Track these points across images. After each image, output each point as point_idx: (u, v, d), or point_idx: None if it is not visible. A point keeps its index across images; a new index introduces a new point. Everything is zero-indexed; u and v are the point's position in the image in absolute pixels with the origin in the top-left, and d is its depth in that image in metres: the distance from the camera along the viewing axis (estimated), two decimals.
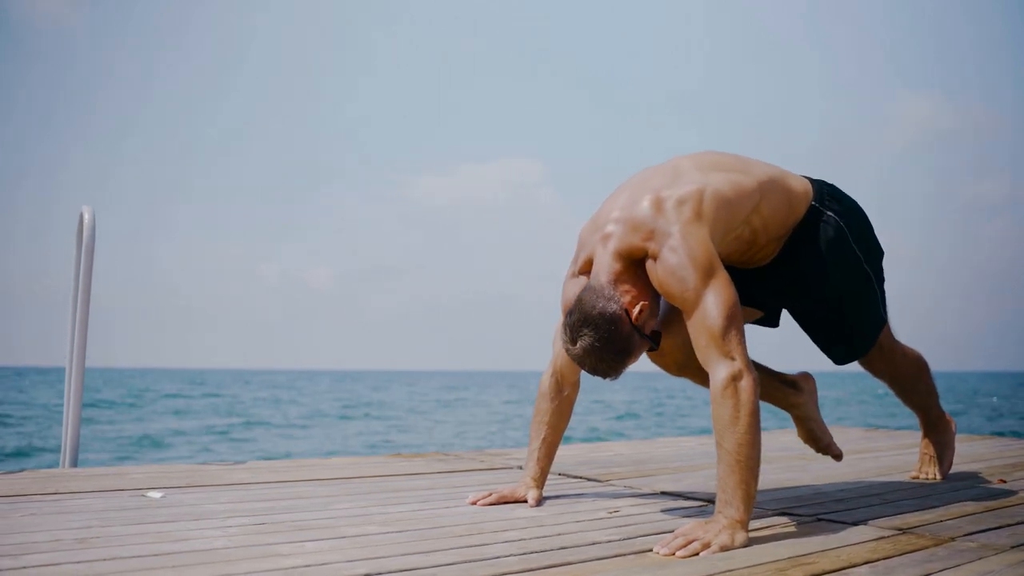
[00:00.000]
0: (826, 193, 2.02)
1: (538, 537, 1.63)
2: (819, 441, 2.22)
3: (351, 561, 1.40)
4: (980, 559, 1.47)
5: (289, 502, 1.99)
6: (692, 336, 1.69)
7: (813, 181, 2.03)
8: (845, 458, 2.98)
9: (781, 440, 3.58)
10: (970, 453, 3.08)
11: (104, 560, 1.38)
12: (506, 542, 1.58)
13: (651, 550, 1.52)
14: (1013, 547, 1.56)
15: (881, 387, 2.42)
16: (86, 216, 2.56)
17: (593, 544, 1.57)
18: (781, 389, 2.17)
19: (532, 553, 1.49)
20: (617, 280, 1.73)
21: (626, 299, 1.72)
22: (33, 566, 1.33)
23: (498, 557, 1.45)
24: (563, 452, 3.18)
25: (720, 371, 1.62)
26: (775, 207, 1.91)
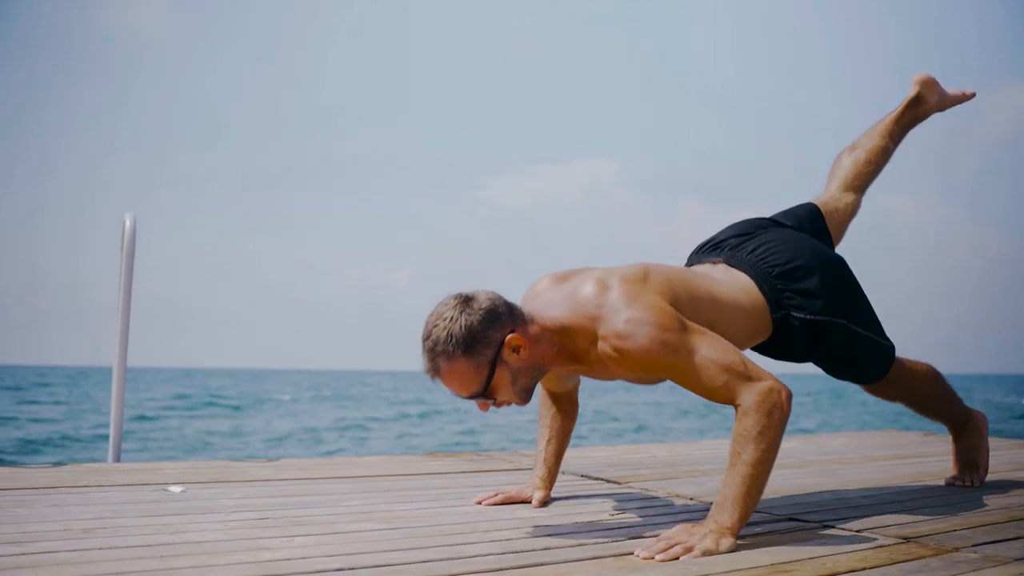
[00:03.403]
0: (780, 290, 1.85)
1: (526, 537, 1.64)
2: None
3: (331, 556, 1.44)
4: (975, 571, 1.41)
5: (301, 499, 2.05)
6: (703, 389, 1.58)
7: (762, 283, 1.85)
8: (883, 464, 2.89)
9: (825, 445, 3.49)
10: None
11: (100, 549, 1.45)
12: (492, 542, 1.59)
13: (632, 553, 1.51)
14: (1017, 559, 1.49)
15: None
16: (127, 223, 2.69)
17: (579, 546, 1.57)
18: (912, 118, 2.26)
19: (511, 553, 1.50)
20: (531, 323, 1.62)
21: (519, 331, 1.59)
22: (33, 552, 1.42)
23: (475, 556, 1.47)
24: (595, 453, 3.18)
25: (754, 391, 1.54)
26: (730, 332, 1.73)
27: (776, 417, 1.54)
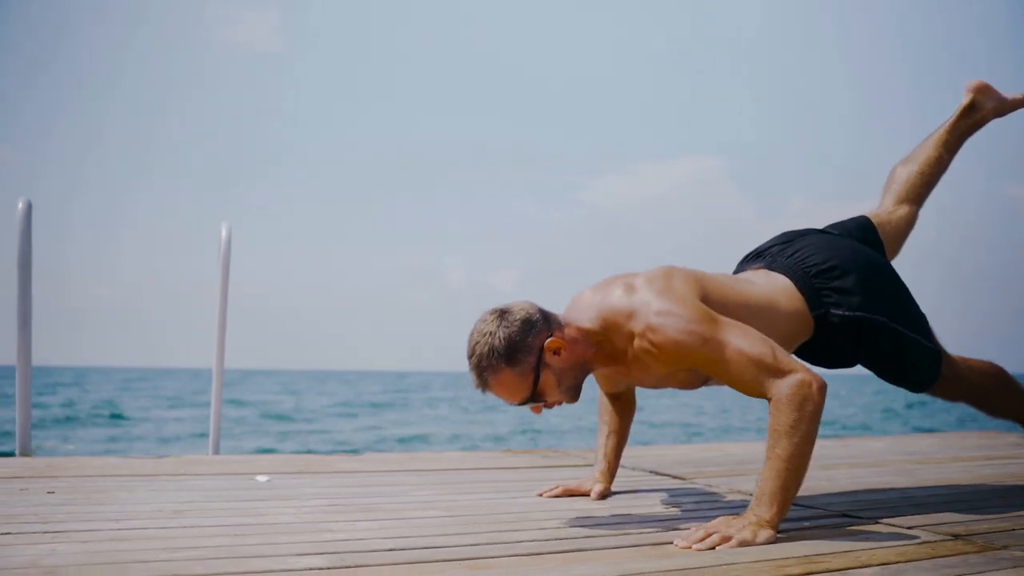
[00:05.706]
0: (818, 288, 1.87)
1: (575, 527, 1.71)
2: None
3: (386, 538, 1.56)
4: (1015, 567, 1.40)
5: (375, 488, 2.19)
6: (735, 382, 1.63)
7: (800, 283, 1.87)
8: (968, 464, 2.82)
9: (912, 445, 3.40)
10: None
11: (183, 527, 1.62)
12: (539, 529, 1.68)
13: (672, 543, 1.57)
14: None
15: None
16: (223, 233, 2.91)
17: (621, 535, 1.64)
18: (968, 127, 2.19)
19: (555, 540, 1.58)
20: (568, 326, 1.70)
21: (556, 335, 1.67)
22: (127, 528, 1.60)
23: (519, 542, 1.56)
24: (669, 451, 3.21)
25: (784, 384, 1.58)
26: (767, 333, 1.71)
27: (808, 410, 1.57)
